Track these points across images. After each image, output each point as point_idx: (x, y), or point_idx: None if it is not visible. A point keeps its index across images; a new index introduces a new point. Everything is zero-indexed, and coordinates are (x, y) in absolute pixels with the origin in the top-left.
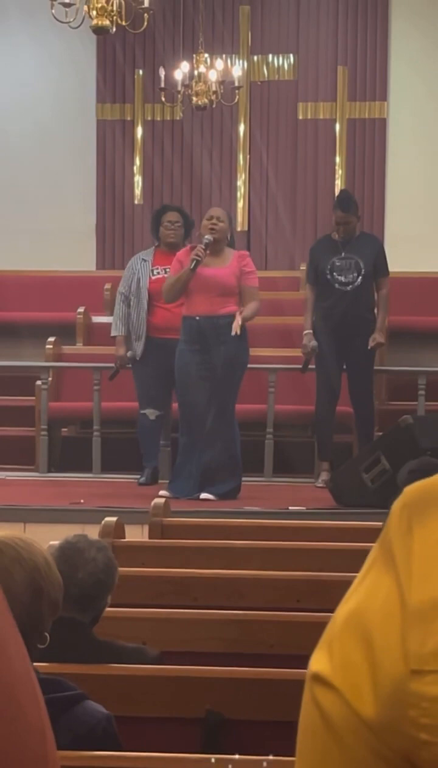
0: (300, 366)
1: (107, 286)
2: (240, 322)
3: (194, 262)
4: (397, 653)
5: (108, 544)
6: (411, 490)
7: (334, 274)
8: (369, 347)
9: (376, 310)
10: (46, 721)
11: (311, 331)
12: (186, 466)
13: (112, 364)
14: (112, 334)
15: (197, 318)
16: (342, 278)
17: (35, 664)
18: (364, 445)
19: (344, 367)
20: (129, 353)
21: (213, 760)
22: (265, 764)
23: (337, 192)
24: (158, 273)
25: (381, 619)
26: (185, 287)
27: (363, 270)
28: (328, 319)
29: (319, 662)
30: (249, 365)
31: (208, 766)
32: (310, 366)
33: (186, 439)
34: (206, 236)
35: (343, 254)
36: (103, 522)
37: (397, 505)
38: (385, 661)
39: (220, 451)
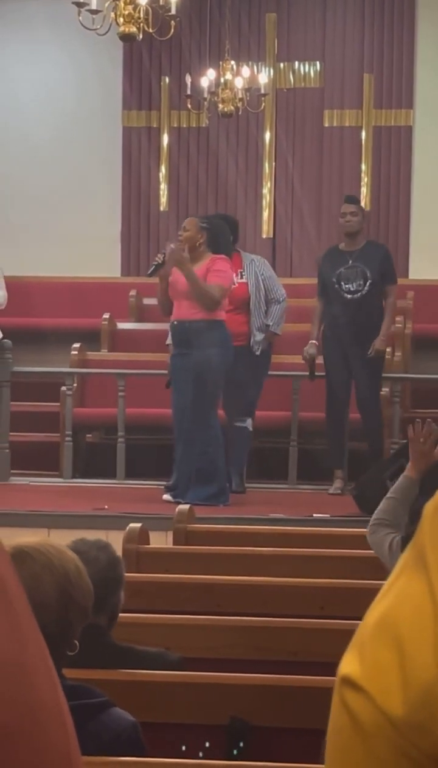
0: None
1: (132, 292)
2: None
3: (151, 267)
4: (429, 656)
5: (132, 548)
6: None
7: (342, 283)
8: (368, 354)
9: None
10: (73, 739)
11: (315, 341)
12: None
13: (136, 371)
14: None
15: (174, 322)
16: (349, 287)
17: (64, 670)
18: (373, 457)
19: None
20: None
21: None
22: None
23: (362, 200)
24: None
25: (412, 623)
26: (165, 295)
27: (369, 278)
28: (336, 328)
29: (349, 665)
30: (270, 372)
31: None
32: (318, 373)
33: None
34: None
35: (349, 263)
36: (127, 528)
37: (429, 508)
38: (416, 664)
39: (197, 456)
